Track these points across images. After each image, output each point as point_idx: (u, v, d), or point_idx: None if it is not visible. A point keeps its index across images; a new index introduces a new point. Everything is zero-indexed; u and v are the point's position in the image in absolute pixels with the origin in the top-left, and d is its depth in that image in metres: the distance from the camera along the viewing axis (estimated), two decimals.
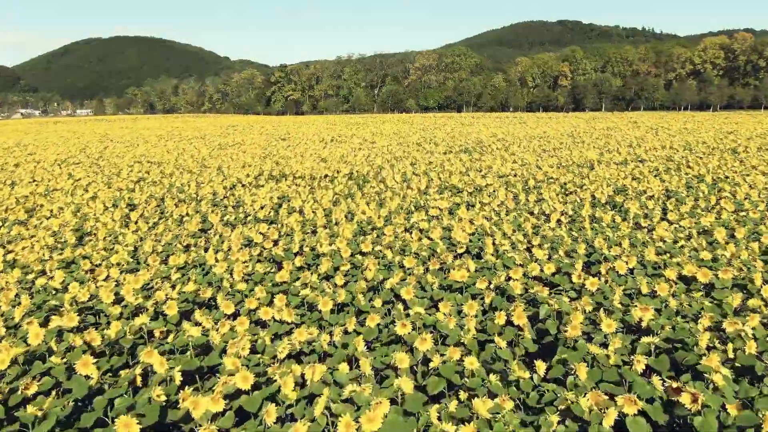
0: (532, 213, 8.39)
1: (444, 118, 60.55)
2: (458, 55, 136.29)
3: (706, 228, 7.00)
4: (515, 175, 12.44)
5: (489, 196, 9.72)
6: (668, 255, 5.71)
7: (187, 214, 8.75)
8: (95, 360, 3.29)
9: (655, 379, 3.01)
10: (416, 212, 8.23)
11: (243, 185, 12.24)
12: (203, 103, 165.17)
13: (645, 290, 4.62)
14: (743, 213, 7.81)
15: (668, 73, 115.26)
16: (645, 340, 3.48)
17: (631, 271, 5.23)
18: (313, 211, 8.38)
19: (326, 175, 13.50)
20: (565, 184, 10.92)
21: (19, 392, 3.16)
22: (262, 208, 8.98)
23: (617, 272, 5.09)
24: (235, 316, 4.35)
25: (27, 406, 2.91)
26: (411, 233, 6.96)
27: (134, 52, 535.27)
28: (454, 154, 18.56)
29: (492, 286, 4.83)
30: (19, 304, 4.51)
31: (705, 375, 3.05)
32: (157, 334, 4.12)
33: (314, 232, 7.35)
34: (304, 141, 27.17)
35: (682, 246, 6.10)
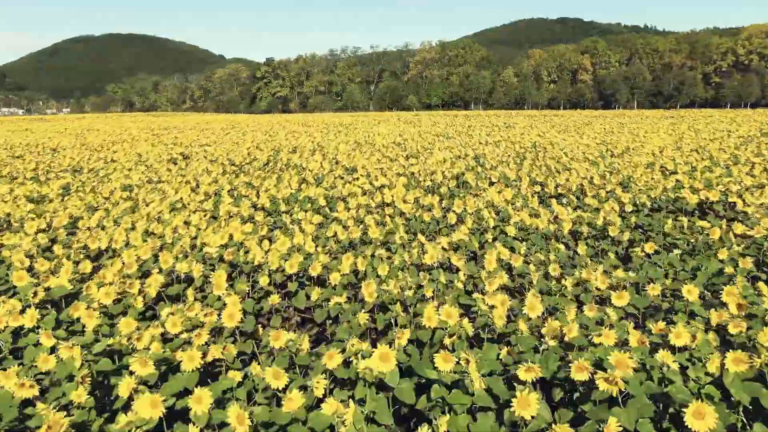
0: None
1: (461, 117, 46.02)
2: (463, 47, 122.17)
3: None
4: None
5: None
6: None
7: None
8: None
9: None
10: None
11: None
12: (185, 101, 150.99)
13: None
14: None
15: (705, 66, 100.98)
16: None
17: None
18: None
19: None
20: None
21: None
22: None
23: None
24: None
25: None
26: None
27: (127, 50, 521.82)
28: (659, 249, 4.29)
29: None
30: None
31: None
32: None
33: None
34: (211, 162, 12.90)
35: None
